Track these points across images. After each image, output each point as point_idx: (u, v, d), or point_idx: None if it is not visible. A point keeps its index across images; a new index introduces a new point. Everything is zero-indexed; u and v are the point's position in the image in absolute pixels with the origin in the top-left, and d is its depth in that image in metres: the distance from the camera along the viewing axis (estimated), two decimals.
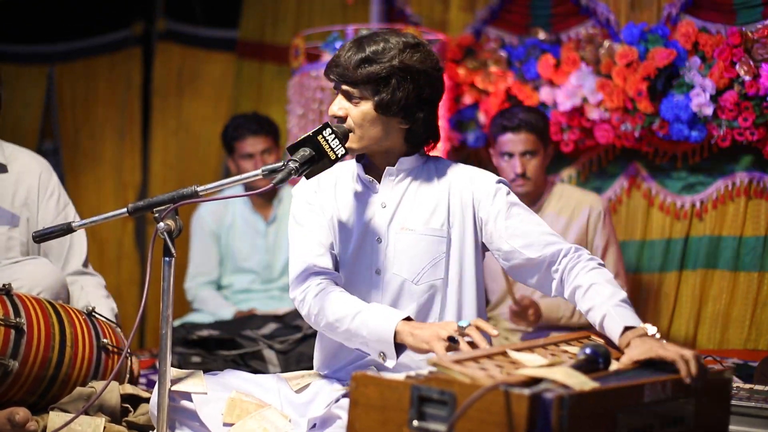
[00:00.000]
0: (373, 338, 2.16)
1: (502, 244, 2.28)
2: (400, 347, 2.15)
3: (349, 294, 2.28)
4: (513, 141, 3.46)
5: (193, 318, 4.11)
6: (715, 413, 1.89)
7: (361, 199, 2.37)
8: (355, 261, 2.35)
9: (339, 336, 2.26)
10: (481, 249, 2.37)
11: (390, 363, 2.16)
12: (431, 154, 2.44)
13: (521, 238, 2.26)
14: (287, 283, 4.33)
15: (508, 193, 2.34)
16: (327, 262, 2.32)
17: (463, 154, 4.50)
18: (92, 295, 2.92)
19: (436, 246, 2.32)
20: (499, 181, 2.36)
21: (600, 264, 2.19)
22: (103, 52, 5.67)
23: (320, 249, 2.33)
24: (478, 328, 2.04)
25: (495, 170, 3.57)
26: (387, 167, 2.35)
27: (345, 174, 2.42)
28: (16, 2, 5.48)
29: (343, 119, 2.27)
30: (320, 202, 2.38)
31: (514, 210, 2.31)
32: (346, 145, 2.24)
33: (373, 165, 2.38)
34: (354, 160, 2.41)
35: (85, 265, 3.02)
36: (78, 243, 3.01)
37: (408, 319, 2.17)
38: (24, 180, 2.95)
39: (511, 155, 3.48)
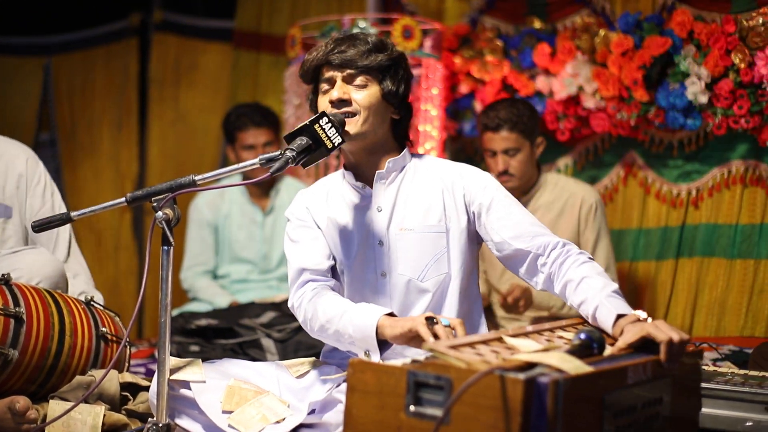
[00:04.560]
0: (358, 336, 2.18)
1: (494, 235, 2.32)
2: (384, 344, 2.17)
3: (341, 297, 2.30)
4: (494, 139, 3.46)
5: (191, 307, 4.11)
6: (686, 394, 1.94)
7: (356, 206, 2.39)
8: (360, 267, 2.37)
9: (331, 338, 2.28)
10: (476, 240, 2.40)
11: (374, 359, 2.16)
12: (415, 151, 2.46)
13: (510, 230, 2.29)
14: (284, 273, 4.31)
15: (498, 186, 2.38)
16: (322, 270, 2.35)
17: (459, 143, 4.50)
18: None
19: (437, 242, 2.34)
20: (488, 175, 2.40)
21: (590, 258, 2.21)
22: (100, 43, 5.66)
23: (316, 258, 2.35)
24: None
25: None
26: (377, 171, 2.36)
27: (335, 185, 2.44)
28: None
29: (347, 102, 2.28)
30: (312, 217, 2.40)
31: (505, 202, 2.34)
32: (346, 129, 2.26)
33: (361, 171, 2.39)
34: (342, 169, 2.43)
35: (65, 260, 2.98)
36: (62, 235, 2.98)
37: (391, 315, 2.18)
38: (12, 169, 2.93)
39: (494, 153, 3.49)
